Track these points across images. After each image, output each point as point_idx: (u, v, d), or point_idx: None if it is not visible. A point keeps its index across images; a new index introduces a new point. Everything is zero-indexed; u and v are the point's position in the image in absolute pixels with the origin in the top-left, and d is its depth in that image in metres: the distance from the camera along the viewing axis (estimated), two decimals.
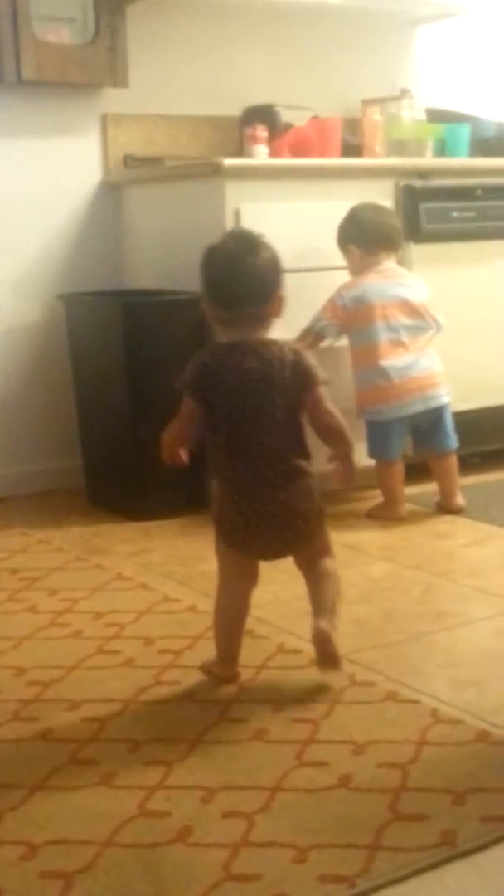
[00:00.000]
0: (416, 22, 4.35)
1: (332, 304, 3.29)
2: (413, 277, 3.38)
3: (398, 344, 3.29)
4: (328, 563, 2.24)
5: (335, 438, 2.20)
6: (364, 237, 3.33)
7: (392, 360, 3.27)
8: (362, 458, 3.44)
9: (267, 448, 2.13)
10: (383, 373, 3.27)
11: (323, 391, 2.17)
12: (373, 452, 3.36)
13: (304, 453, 2.18)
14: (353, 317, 3.28)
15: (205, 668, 2.23)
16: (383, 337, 3.28)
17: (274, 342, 2.17)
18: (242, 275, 2.15)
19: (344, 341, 3.33)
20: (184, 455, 2.26)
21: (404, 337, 3.30)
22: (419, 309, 3.33)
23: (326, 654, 2.14)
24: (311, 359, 2.18)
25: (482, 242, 3.73)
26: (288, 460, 2.15)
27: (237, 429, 2.14)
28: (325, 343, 3.29)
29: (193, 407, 2.17)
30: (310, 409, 2.17)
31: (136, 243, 3.78)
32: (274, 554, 2.22)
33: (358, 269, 3.35)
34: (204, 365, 2.16)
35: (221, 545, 2.22)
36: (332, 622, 2.17)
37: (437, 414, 3.35)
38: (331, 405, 2.18)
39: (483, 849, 1.62)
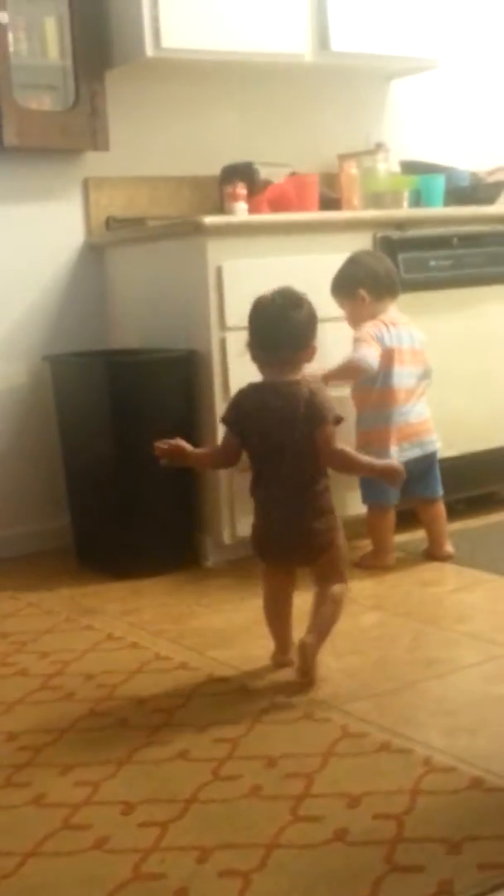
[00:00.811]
0: (389, 76, 4.43)
1: (371, 338, 3.27)
2: (412, 325, 3.41)
3: (407, 390, 3.33)
4: (336, 589, 2.54)
5: (345, 469, 2.59)
6: (374, 283, 3.35)
7: (399, 406, 3.31)
8: (355, 506, 3.48)
9: (285, 476, 2.49)
10: (390, 417, 3.30)
11: (331, 430, 2.48)
12: (370, 498, 3.37)
13: (320, 481, 2.50)
14: (388, 353, 3.29)
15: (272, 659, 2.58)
16: (398, 382, 3.31)
17: (297, 381, 2.52)
18: (283, 326, 2.52)
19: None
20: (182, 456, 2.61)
21: (411, 383, 3.34)
22: (420, 356, 3.37)
23: (304, 666, 2.46)
24: (327, 398, 2.52)
25: (460, 290, 3.77)
26: (303, 486, 2.49)
27: (263, 458, 2.52)
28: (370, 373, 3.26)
29: (230, 439, 2.57)
30: (319, 445, 2.48)
31: (119, 303, 3.82)
32: (292, 563, 2.57)
33: (363, 317, 3.34)
34: (236, 403, 2.57)
35: (255, 556, 2.61)
36: (318, 641, 2.48)
37: (430, 460, 3.38)
38: (338, 443, 2.51)
39: None
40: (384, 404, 3.31)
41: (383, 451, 3.30)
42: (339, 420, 2.52)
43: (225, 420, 2.60)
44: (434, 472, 3.40)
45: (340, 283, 3.37)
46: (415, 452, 3.33)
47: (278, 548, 2.54)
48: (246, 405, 2.55)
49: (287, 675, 2.53)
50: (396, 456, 3.27)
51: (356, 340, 3.29)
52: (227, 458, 2.61)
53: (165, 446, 2.61)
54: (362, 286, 3.34)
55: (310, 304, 2.57)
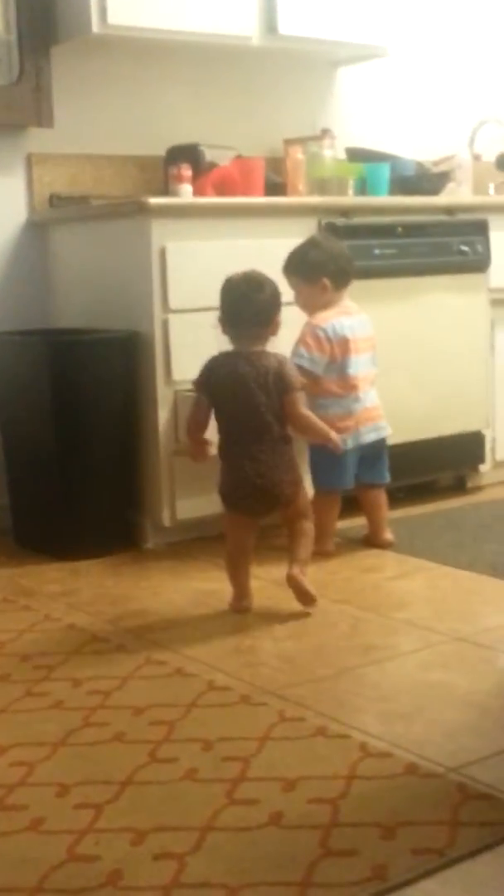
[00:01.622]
0: (336, 63, 4.42)
1: (317, 339, 3.27)
2: (361, 312, 3.41)
3: (363, 377, 3.34)
4: (305, 524, 2.91)
5: (307, 433, 2.95)
6: (338, 271, 3.33)
7: (357, 392, 3.32)
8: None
9: (258, 434, 2.80)
10: (351, 403, 3.31)
11: (296, 396, 2.84)
12: (323, 483, 3.36)
13: (285, 437, 2.83)
14: (334, 350, 3.30)
15: (230, 605, 2.87)
16: (354, 370, 3.31)
17: (265, 353, 2.86)
18: (248, 307, 2.84)
19: None
20: (207, 448, 2.91)
21: (366, 369, 3.35)
22: (371, 343, 3.39)
23: (301, 594, 2.82)
24: (292, 369, 2.88)
25: (404, 279, 3.79)
26: (267, 443, 2.80)
27: (233, 418, 2.82)
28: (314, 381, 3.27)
29: (202, 400, 2.88)
30: (286, 409, 2.83)
31: (62, 282, 3.78)
32: (262, 513, 2.88)
33: (318, 304, 3.32)
34: (209, 369, 2.87)
35: (224, 508, 2.87)
36: (303, 570, 2.85)
37: (382, 445, 3.40)
38: (302, 408, 2.88)
39: (414, 882, 1.63)
40: (344, 393, 3.31)
41: (345, 437, 3.29)
42: (302, 387, 2.89)
43: (199, 383, 2.89)
44: (384, 458, 3.43)
45: (300, 267, 3.32)
46: (371, 436, 3.35)
47: (252, 499, 2.82)
48: (219, 370, 2.85)
49: (226, 657, 2.53)
50: (355, 440, 3.30)
51: (301, 341, 3.28)
52: (204, 418, 2.89)
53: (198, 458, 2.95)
54: (326, 274, 3.31)
55: (272, 286, 2.88)
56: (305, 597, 2.83)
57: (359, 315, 3.39)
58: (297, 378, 2.87)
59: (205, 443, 2.92)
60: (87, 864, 1.70)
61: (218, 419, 2.87)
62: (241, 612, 2.86)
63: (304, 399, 2.94)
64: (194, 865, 1.68)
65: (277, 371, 2.82)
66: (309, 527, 2.92)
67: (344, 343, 3.30)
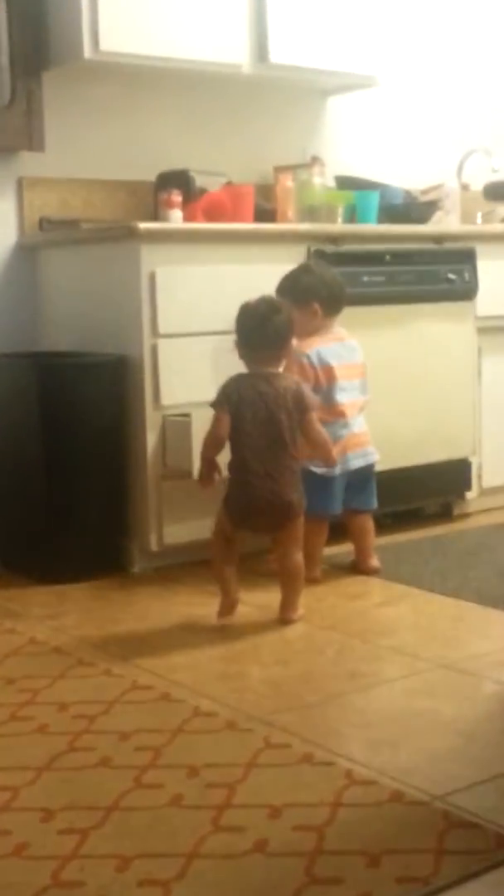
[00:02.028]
0: (326, 92, 4.46)
1: (301, 366, 3.29)
2: (351, 338, 3.43)
3: (350, 404, 3.35)
4: (299, 559, 3.02)
5: (319, 448, 3.06)
6: (329, 298, 3.36)
7: (345, 419, 3.33)
8: None
9: (268, 451, 2.93)
10: (338, 429, 3.31)
11: (313, 415, 3.01)
12: (313, 509, 3.36)
13: (295, 457, 2.97)
14: (318, 377, 3.31)
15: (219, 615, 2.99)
16: (340, 396, 3.33)
17: (282, 375, 3.05)
18: (267, 328, 2.99)
19: None
20: (217, 472, 2.99)
21: (353, 396, 3.37)
22: (359, 370, 3.41)
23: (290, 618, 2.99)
24: (308, 390, 3.04)
25: (392, 306, 3.81)
26: (282, 461, 2.94)
27: (249, 435, 2.94)
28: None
29: (223, 417, 2.95)
30: (303, 427, 2.99)
31: (51, 305, 3.79)
32: (265, 530, 3.02)
33: (309, 330, 3.33)
34: (230, 388, 2.97)
35: (224, 518, 2.98)
36: (298, 611, 3.00)
37: (369, 471, 3.41)
38: (318, 426, 3.04)
39: None
40: (330, 420, 3.32)
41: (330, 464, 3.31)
42: (316, 408, 3.07)
43: (220, 402, 2.98)
44: (371, 484, 3.43)
45: (293, 291, 3.33)
46: (359, 462, 3.36)
47: (259, 515, 2.95)
48: (238, 389, 2.96)
49: (212, 682, 2.52)
50: (343, 466, 3.31)
51: (286, 368, 3.26)
52: (224, 435, 2.97)
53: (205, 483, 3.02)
54: (317, 299, 3.34)
55: (288, 309, 3.06)
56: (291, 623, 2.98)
57: (349, 342, 3.41)
58: (313, 398, 3.04)
59: (216, 466, 2.98)
60: (71, 891, 1.69)
61: (234, 438, 2.96)
62: (227, 615, 2.99)
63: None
64: (179, 892, 1.68)
65: (296, 391, 2.97)
66: (300, 561, 3.02)
67: (328, 370, 3.32)
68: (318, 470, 3.32)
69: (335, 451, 3.29)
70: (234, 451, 2.98)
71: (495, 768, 2.08)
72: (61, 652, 2.76)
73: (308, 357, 3.31)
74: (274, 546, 3.08)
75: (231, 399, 2.96)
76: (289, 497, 2.95)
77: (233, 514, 2.98)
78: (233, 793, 1.99)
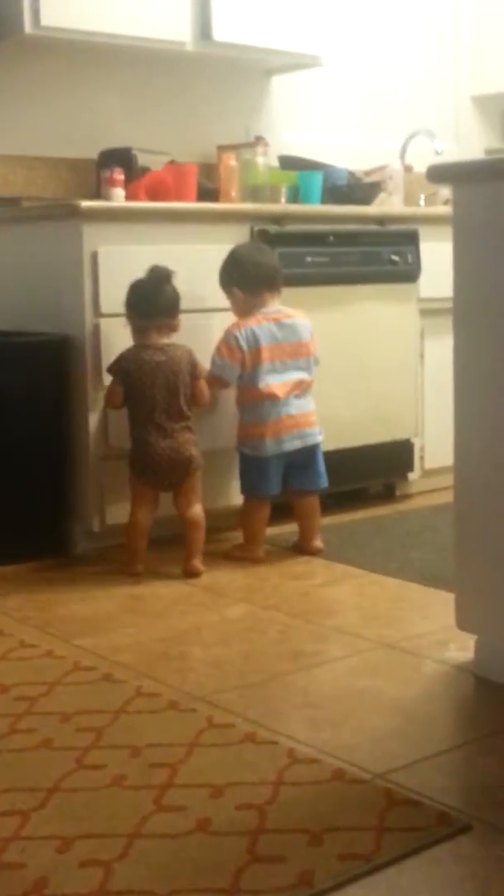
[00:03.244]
0: (270, 72, 4.45)
1: (229, 347, 3.32)
2: (297, 317, 3.43)
3: (281, 384, 3.34)
4: (199, 509, 3.25)
5: (207, 404, 3.34)
6: (246, 280, 3.38)
7: (275, 399, 3.33)
8: (228, 498, 3.49)
9: (165, 414, 3.19)
10: (265, 410, 3.32)
11: (203, 382, 3.26)
12: (249, 489, 3.39)
13: (189, 418, 3.23)
14: (244, 358, 3.32)
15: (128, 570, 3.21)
16: (269, 377, 3.33)
17: (174, 344, 3.25)
18: (158, 296, 3.22)
19: None
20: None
21: (287, 377, 3.36)
22: (302, 350, 3.40)
23: (193, 572, 3.19)
24: (198, 357, 3.26)
25: (335, 287, 3.81)
26: (178, 421, 3.20)
27: (149, 400, 3.18)
28: (226, 385, 3.38)
29: (115, 389, 3.22)
30: (193, 391, 3.24)
31: None
32: (167, 484, 3.23)
33: (243, 311, 3.38)
34: (123, 359, 3.21)
35: (133, 479, 3.23)
36: (200, 558, 3.23)
37: (311, 451, 3.41)
38: (207, 391, 3.28)
39: (340, 888, 1.64)
40: (256, 401, 3.34)
41: (259, 444, 3.32)
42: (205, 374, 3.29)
43: (114, 372, 3.22)
44: (315, 465, 3.43)
45: (220, 278, 3.40)
46: (295, 444, 3.36)
47: (164, 470, 3.19)
48: (135, 360, 3.19)
49: (155, 663, 2.52)
50: (276, 447, 3.31)
51: (217, 347, 3.35)
52: (116, 404, 3.24)
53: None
54: (235, 283, 3.38)
55: (173, 284, 3.24)
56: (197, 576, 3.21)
57: (290, 321, 3.40)
58: (203, 366, 3.30)
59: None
60: (12, 872, 1.68)
61: (135, 404, 3.22)
62: (134, 576, 3.18)
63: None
64: (121, 872, 1.67)
65: (190, 359, 3.24)
66: (201, 512, 3.25)
67: (256, 352, 3.33)
68: (248, 451, 3.34)
69: (261, 432, 3.31)
70: (134, 415, 3.22)
71: (436, 746, 2.10)
72: (2, 633, 2.74)
73: (236, 338, 3.32)
74: (175, 499, 3.26)
75: (126, 370, 3.19)
76: (188, 453, 3.20)
77: (138, 472, 3.21)
78: (175, 773, 1.99)
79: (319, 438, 3.43)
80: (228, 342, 3.33)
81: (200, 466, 3.25)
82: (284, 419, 3.34)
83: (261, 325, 3.35)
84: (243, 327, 3.34)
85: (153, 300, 3.21)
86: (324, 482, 3.45)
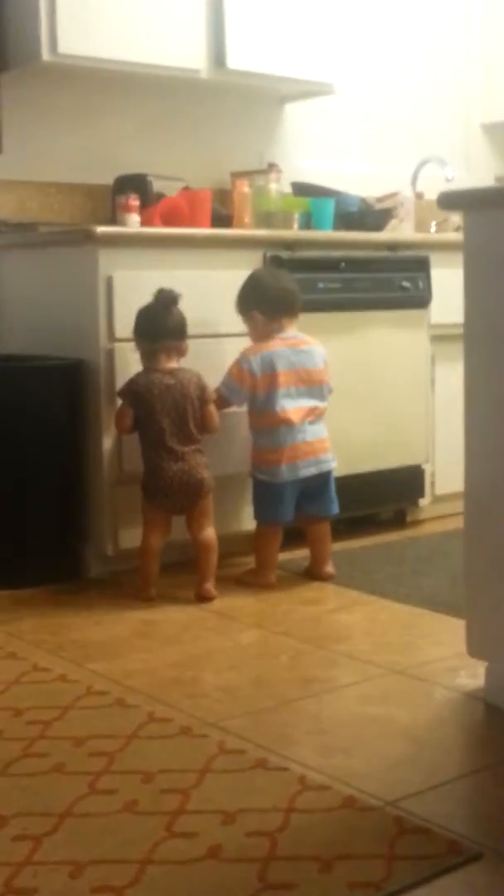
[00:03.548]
0: (284, 99, 4.48)
1: (240, 370, 3.35)
2: (313, 343, 3.45)
3: (296, 409, 3.36)
4: (211, 533, 3.26)
5: (209, 433, 3.33)
6: (267, 304, 3.40)
7: (291, 425, 3.34)
8: (241, 523, 3.51)
9: (176, 438, 3.21)
10: (281, 436, 3.34)
11: (212, 406, 3.29)
12: (262, 515, 3.40)
13: (200, 441, 3.26)
14: (259, 382, 3.34)
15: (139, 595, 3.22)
16: (284, 403, 3.35)
17: (183, 368, 3.27)
18: (167, 317, 3.24)
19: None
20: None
21: (302, 403, 3.38)
22: (317, 377, 3.42)
23: (205, 596, 3.21)
24: (207, 382, 3.29)
25: (347, 313, 3.83)
26: (188, 444, 3.22)
27: (159, 424, 3.20)
28: (231, 409, 3.40)
29: (125, 411, 3.24)
30: (203, 416, 3.27)
31: (7, 308, 3.78)
32: (179, 507, 3.24)
33: (260, 336, 3.40)
34: (133, 382, 3.24)
35: (145, 503, 3.24)
36: (213, 583, 3.24)
37: (325, 478, 3.41)
38: (216, 415, 3.31)
39: None
40: (272, 427, 3.35)
41: (275, 471, 3.33)
42: (215, 399, 3.32)
43: (122, 394, 3.25)
44: (328, 491, 3.43)
45: (238, 301, 3.43)
46: (310, 471, 3.37)
47: (176, 494, 3.20)
48: (145, 384, 3.21)
49: (167, 688, 2.53)
50: (291, 474, 3.33)
51: (229, 368, 3.38)
52: (125, 427, 3.26)
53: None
54: (256, 307, 3.40)
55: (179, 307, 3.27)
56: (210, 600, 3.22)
57: (307, 347, 3.42)
58: (211, 390, 3.31)
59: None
60: None
61: (146, 427, 3.23)
62: (146, 601, 3.19)
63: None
64: None
65: (199, 383, 3.26)
66: (214, 535, 3.26)
67: (272, 376, 3.34)
68: (262, 477, 3.35)
69: (277, 458, 3.32)
70: (145, 439, 3.24)
71: (446, 774, 2.10)
72: (16, 657, 2.76)
73: (249, 362, 3.34)
74: (188, 523, 3.27)
75: (135, 393, 3.21)
76: (200, 475, 3.21)
77: (150, 496, 3.22)
78: (187, 798, 2.00)
79: (333, 465, 3.44)
80: (241, 365, 3.35)
81: (212, 489, 3.26)
82: (300, 445, 3.36)
83: (277, 350, 3.37)
84: (259, 352, 3.36)
85: (160, 323, 3.23)
86: (335, 509, 3.46)
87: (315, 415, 3.40)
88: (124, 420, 3.24)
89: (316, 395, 3.42)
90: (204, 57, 3.93)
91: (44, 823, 1.91)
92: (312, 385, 3.41)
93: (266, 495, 3.38)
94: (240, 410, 3.43)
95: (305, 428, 3.37)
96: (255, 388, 3.34)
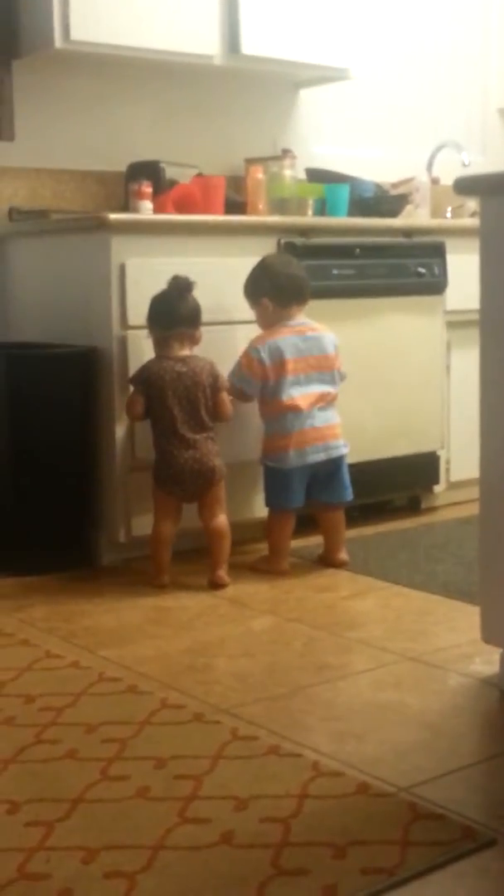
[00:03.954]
0: (298, 84, 4.46)
1: (250, 360, 3.34)
2: (322, 330, 3.43)
3: (304, 395, 3.35)
4: (223, 520, 3.25)
5: (223, 422, 3.33)
6: (278, 291, 3.38)
7: (298, 411, 3.33)
8: (253, 510, 3.50)
9: (194, 427, 3.21)
10: (289, 422, 3.33)
11: (225, 394, 3.28)
12: (272, 502, 3.39)
13: (212, 429, 3.25)
14: (269, 371, 3.33)
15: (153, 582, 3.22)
16: (292, 390, 3.33)
17: (195, 356, 3.26)
18: (180, 304, 3.22)
19: None
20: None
21: (312, 389, 3.36)
22: (326, 363, 3.40)
23: (219, 583, 3.21)
24: (220, 370, 3.28)
25: (361, 300, 3.81)
26: (200, 432, 3.22)
27: (170, 411, 3.19)
28: (248, 399, 3.39)
29: (136, 398, 3.23)
30: (215, 403, 3.26)
31: (20, 296, 3.77)
32: (191, 495, 3.23)
33: (269, 323, 3.39)
34: (145, 369, 3.23)
35: (156, 490, 3.23)
36: (226, 570, 3.23)
37: (336, 464, 3.40)
38: (229, 403, 3.29)
39: None
40: (279, 413, 3.34)
41: (283, 457, 3.32)
42: (227, 386, 3.31)
43: (133, 381, 3.24)
44: (340, 478, 3.41)
45: (247, 288, 3.41)
46: (319, 456, 3.35)
47: (187, 481, 3.19)
48: (157, 371, 3.20)
49: (179, 675, 2.52)
50: (299, 459, 3.31)
51: (239, 360, 3.36)
52: (137, 414, 3.25)
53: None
54: (266, 294, 3.38)
55: (194, 295, 3.24)
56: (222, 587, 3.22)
57: (315, 334, 3.41)
58: (224, 378, 3.30)
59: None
60: (37, 883, 1.69)
61: (157, 415, 3.23)
62: (160, 588, 3.20)
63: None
64: (145, 884, 1.68)
65: (211, 370, 3.25)
66: (226, 522, 3.25)
67: (280, 363, 3.33)
68: (271, 464, 3.34)
69: (285, 443, 3.31)
70: (156, 427, 3.23)
71: (461, 760, 2.09)
72: (28, 644, 2.76)
73: (258, 351, 3.33)
74: (200, 510, 3.26)
75: (146, 380, 3.20)
76: (211, 463, 3.21)
77: (161, 483, 3.22)
78: (199, 785, 1.99)
79: (344, 451, 3.42)
80: (250, 356, 3.34)
81: (224, 477, 3.25)
82: (308, 431, 3.34)
83: (285, 337, 3.35)
84: (267, 340, 3.35)
85: (174, 310, 3.22)
86: (349, 495, 3.44)
87: (325, 401, 3.39)
88: (135, 407, 3.24)
89: (327, 381, 3.40)
90: (218, 43, 3.90)
91: (56, 809, 1.91)
92: (323, 371, 3.40)
93: (275, 482, 3.37)
94: (251, 344, 3.38)
95: (314, 414, 3.35)
96: (266, 377, 3.33)
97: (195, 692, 2.43)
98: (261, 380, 3.34)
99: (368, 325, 3.84)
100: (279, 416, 3.34)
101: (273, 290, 3.38)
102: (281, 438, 3.34)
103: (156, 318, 3.25)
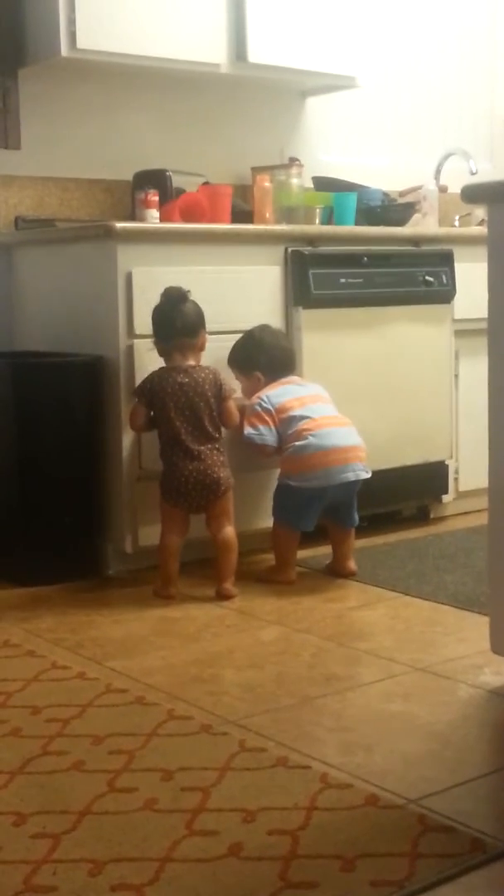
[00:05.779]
0: (305, 93, 4.46)
1: (257, 415, 3.34)
2: (314, 384, 3.47)
3: (318, 419, 3.33)
4: (231, 532, 3.24)
5: (236, 427, 3.32)
6: (272, 365, 3.41)
7: (312, 432, 3.30)
8: (262, 521, 3.48)
9: (200, 438, 3.19)
10: (307, 446, 3.29)
11: (231, 403, 3.26)
12: (280, 516, 3.37)
13: (218, 440, 3.22)
14: (276, 413, 3.33)
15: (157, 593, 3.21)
16: (301, 422, 3.32)
17: (199, 366, 3.24)
18: (175, 315, 3.20)
19: None
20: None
21: (325, 413, 3.37)
22: (326, 398, 3.43)
23: (227, 595, 3.19)
24: (225, 378, 3.28)
25: (369, 308, 3.80)
26: (205, 443, 3.19)
27: (173, 422, 3.18)
28: (273, 451, 3.37)
29: (138, 409, 3.23)
30: (221, 412, 3.24)
31: (27, 305, 3.77)
32: (197, 506, 3.21)
33: (257, 391, 3.40)
34: (148, 381, 3.22)
35: (163, 501, 3.22)
36: (233, 581, 3.22)
37: (354, 488, 3.37)
38: (235, 412, 3.28)
39: None
40: (300, 437, 3.31)
41: (308, 475, 3.29)
42: (233, 395, 3.30)
43: (137, 394, 3.22)
44: (352, 502, 3.39)
45: (238, 360, 3.43)
46: (348, 476, 3.31)
47: (192, 493, 3.17)
48: (159, 382, 3.19)
49: (187, 686, 2.51)
50: (324, 479, 3.29)
51: (247, 422, 3.35)
52: (139, 425, 3.25)
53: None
54: (259, 369, 3.41)
55: (193, 301, 3.22)
56: (230, 598, 3.19)
57: (307, 382, 3.46)
58: (230, 387, 3.30)
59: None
60: (43, 895, 1.67)
61: (161, 426, 3.22)
62: (166, 599, 3.18)
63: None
64: None
65: (214, 380, 3.23)
66: (234, 533, 3.24)
67: (285, 403, 3.35)
68: (294, 483, 3.31)
69: (306, 466, 3.28)
70: (162, 438, 3.22)
71: (470, 772, 2.07)
72: (35, 655, 2.74)
73: (260, 403, 3.35)
74: (207, 521, 3.25)
75: (149, 391, 3.20)
76: (217, 475, 3.18)
77: (167, 495, 3.20)
78: (207, 796, 1.98)
79: (367, 475, 3.37)
80: (255, 411, 3.34)
81: (231, 488, 3.23)
82: (333, 452, 3.30)
83: (284, 386, 3.40)
84: (263, 394, 3.38)
85: (170, 323, 3.21)
86: (356, 521, 3.41)
87: (339, 422, 3.37)
88: (137, 419, 3.23)
89: (331, 406, 3.41)
90: (224, 51, 3.90)
91: (63, 821, 1.89)
92: (325, 402, 3.41)
93: (289, 499, 3.34)
94: (251, 403, 3.38)
95: (334, 432, 3.33)
96: (276, 422, 3.33)
97: (203, 703, 2.42)
98: (274, 425, 3.33)
99: (376, 333, 3.83)
100: (300, 440, 3.31)
101: (267, 365, 3.41)
102: (308, 458, 3.29)
103: (155, 332, 3.26)
